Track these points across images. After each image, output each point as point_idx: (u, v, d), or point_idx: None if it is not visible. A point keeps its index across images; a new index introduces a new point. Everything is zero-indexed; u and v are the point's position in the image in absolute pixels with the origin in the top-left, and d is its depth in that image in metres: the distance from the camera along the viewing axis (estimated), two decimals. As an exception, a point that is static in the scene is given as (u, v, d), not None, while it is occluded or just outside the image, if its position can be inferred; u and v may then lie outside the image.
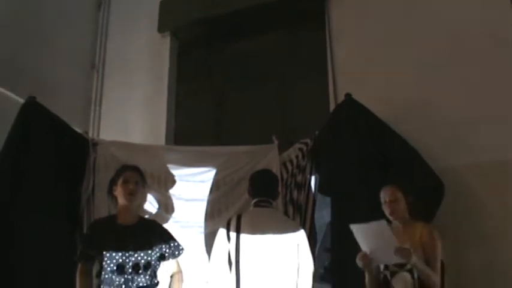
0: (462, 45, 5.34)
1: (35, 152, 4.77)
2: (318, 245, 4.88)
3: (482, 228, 4.93)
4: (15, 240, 4.50)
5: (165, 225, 4.92)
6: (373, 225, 4.04)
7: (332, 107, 5.61)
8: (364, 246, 4.11)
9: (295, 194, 5.13)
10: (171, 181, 5.25)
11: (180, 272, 4.20)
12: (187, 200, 5.25)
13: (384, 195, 4.30)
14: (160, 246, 4.06)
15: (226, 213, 5.04)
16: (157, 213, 5.12)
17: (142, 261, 3.94)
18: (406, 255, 3.95)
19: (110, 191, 4.20)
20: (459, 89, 5.22)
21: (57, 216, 4.69)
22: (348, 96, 5.05)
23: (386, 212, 4.28)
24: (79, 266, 4.02)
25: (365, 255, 4.10)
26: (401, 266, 4.08)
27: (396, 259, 4.00)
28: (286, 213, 5.04)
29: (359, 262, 4.12)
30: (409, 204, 4.28)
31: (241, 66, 6.55)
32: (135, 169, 4.25)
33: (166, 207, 5.17)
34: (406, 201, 4.26)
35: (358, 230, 4.11)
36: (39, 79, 5.71)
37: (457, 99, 5.19)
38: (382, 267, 4.19)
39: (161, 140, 6.27)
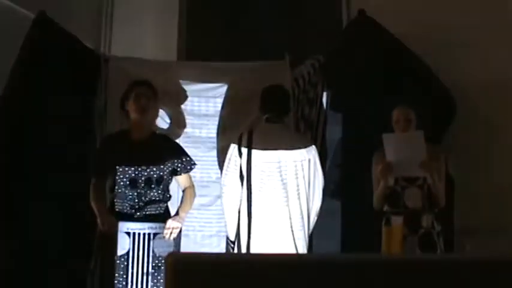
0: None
1: (46, 67, 4.77)
2: (328, 161, 4.93)
3: (492, 148, 4.95)
4: (28, 155, 4.57)
5: (177, 140, 5.03)
6: (410, 134, 4.19)
7: (345, 23, 5.54)
8: (391, 156, 4.16)
9: (306, 110, 5.12)
10: (183, 96, 5.24)
11: (192, 186, 4.27)
12: (199, 116, 5.27)
13: (397, 115, 4.31)
14: (172, 161, 4.11)
15: (239, 128, 5.04)
16: (169, 128, 5.14)
17: (155, 175, 4.01)
18: (430, 169, 4.14)
19: (122, 106, 4.22)
20: (475, 8, 5.13)
21: (70, 132, 4.74)
22: (361, 12, 4.98)
23: (398, 130, 4.30)
24: (93, 181, 4.11)
25: (390, 164, 4.16)
26: (411, 182, 4.17)
27: (418, 172, 4.15)
28: (297, 129, 5.04)
29: (381, 170, 4.19)
30: (418, 126, 4.30)
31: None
32: (147, 84, 4.26)
33: (178, 122, 5.17)
34: (416, 122, 4.29)
35: (390, 139, 4.19)
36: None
37: (472, 18, 5.11)
38: (391, 181, 4.25)
39: (173, 56, 6.19)
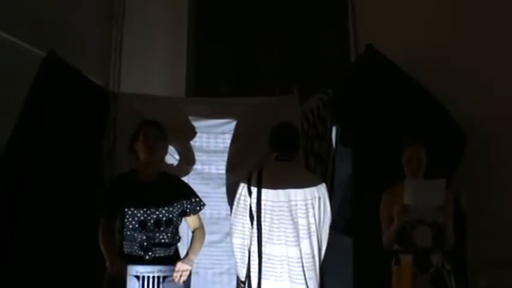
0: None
1: (55, 107, 4.78)
2: (339, 197, 4.89)
3: (504, 180, 4.91)
4: (35, 195, 4.54)
5: (186, 177, 5.03)
6: (432, 182, 4.18)
7: (353, 57, 5.55)
8: (409, 200, 4.16)
9: (316, 144, 5.10)
10: (192, 133, 5.24)
11: (201, 227, 4.25)
12: (208, 152, 5.26)
13: (409, 155, 4.30)
14: (181, 202, 4.09)
15: (248, 164, 5.02)
16: (178, 165, 5.14)
17: (164, 217, 3.99)
18: (446, 214, 4.16)
19: (131, 147, 4.22)
20: (482, 35, 5.12)
21: (78, 171, 4.73)
22: (369, 46, 4.97)
23: (409, 169, 4.28)
24: (102, 221, 4.09)
25: (407, 208, 4.15)
26: (421, 220, 4.14)
27: (433, 216, 4.14)
28: (307, 164, 5.02)
29: (398, 213, 4.19)
30: (428, 164, 4.29)
31: (261, 13, 6.45)
32: (155, 124, 4.26)
33: (188, 158, 5.17)
34: (427, 161, 4.28)
35: (413, 185, 4.19)
36: (59, 32, 5.66)
37: (479, 47, 5.10)
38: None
39: (181, 91, 6.25)
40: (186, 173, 5.11)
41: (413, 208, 4.15)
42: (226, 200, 5.07)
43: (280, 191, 4.18)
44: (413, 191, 4.16)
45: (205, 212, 4.49)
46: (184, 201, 4.11)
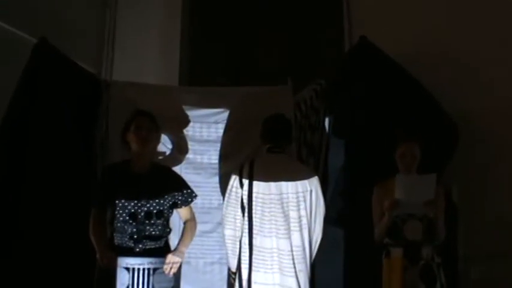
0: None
1: (46, 95, 4.73)
2: (331, 188, 4.89)
3: (498, 175, 4.92)
4: (26, 184, 4.51)
5: (179, 167, 5.02)
6: (423, 177, 4.21)
7: (347, 47, 5.53)
8: (400, 195, 4.17)
9: (308, 135, 5.09)
10: (185, 121, 5.22)
11: (193, 219, 4.24)
12: (201, 141, 5.25)
13: (404, 150, 4.30)
14: (172, 194, 4.08)
15: (240, 154, 5.03)
16: (171, 154, 5.12)
17: (155, 210, 3.98)
18: (435, 208, 4.16)
19: (123, 138, 4.19)
20: (476, 30, 5.10)
21: (70, 160, 4.70)
22: (363, 38, 4.94)
23: (402, 165, 4.29)
24: (93, 212, 4.08)
25: (397, 202, 4.16)
26: (412, 214, 4.15)
27: (423, 210, 4.15)
28: (299, 155, 5.02)
29: (388, 207, 4.19)
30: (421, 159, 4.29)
31: (259, 3, 6.42)
32: (148, 115, 4.23)
33: (180, 148, 5.16)
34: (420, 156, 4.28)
35: (403, 180, 4.21)
36: (51, 19, 5.62)
37: (475, 43, 5.08)
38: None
39: (175, 80, 6.22)
40: (179, 162, 5.10)
41: (404, 203, 4.15)
42: (218, 190, 5.07)
43: (272, 184, 4.17)
44: (404, 186, 4.17)
45: (197, 202, 4.47)
46: (176, 193, 4.10)
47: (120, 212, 3.93)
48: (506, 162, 4.96)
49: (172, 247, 4.14)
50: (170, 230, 4.12)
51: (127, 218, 3.92)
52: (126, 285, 3.79)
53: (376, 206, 4.34)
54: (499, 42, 5.09)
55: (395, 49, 4.90)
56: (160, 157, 4.95)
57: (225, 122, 5.23)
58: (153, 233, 3.97)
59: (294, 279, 4.10)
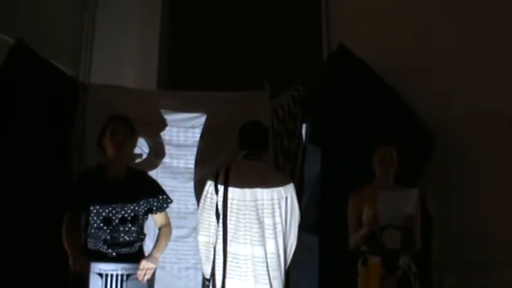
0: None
1: (23, 97, 4.70)
2: (307, 195, 4.91)
3: (472, 183, 4.96)
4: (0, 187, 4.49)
5: (155, 171, 5.00)
6: (405, 193, 4.28)
7: (325, 55, 5.54)
8: (381, 210, 4.19)
9: (285, 141, 5.09)
10: (162, 125, 5.20)
11: (168, 224, 4.23)
12: (178, 146, 5.24)
13: (383, 154, 4.32)
14: (148, 199, 4.07)
15: (217, 159, 5.01)
16: (147, 158, 5.10)
17: (129, 215, 3.96)
18: (414, 223, 4.22)
19: (99, 142, 4.17)
20: (452, 40, 5.15)
21: (46, 164, 4.66)
22: (341, 45, 4.96)
23: (381, 170, 4.31)
24: (66, 216, 4.05)
25: (375, 217, 4.19)
26: (391, 224, 4.17)
27: (400, 222, 4.18)
28: (276, 160, 5.02)
29: (369, 223, 4.21)
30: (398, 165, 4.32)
31: (238, 7, 6.42)
32: (124, 119, 4.21)
33: (157, 152, 5.13)
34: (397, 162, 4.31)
35: (386, 196, 4.22)
36: (30, 20, 5.57)
37: (451, 50, 5.13)
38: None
39: (153, 84, 6.20)
40: (155, 166, 5.09)
41: (385, 217, 4.18)
42: (194, 194, 5.05)
43: (247, 190, 4.16)
44: (386, 202, 4.19)
45: (172, 207, 4.46)
46: (151, 199, 4.09)
47: (94, 217, 3.91)
48: (480, 171, 5.00)
49: (147, 252, 4.13)
50: (145, 235, 4.10)
51: (101, 223, 3.90)
52: (99, 291, 3.78)
53: (351, 214, 4.36)
54: (474, 52, 5.13)
55: (372, 56, 4.92)
56: (137, 160, 4.93)
57: (202, 126, 5.22)
58: (128, 238, 3.95)
59: (268, 287, 4.10)
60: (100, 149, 4.18)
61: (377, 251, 4.21)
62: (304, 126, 5.07)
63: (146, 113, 5.10)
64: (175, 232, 4.44)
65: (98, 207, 3.91)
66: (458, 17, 5.21)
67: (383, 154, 4.34)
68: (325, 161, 4.83)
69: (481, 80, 5.10)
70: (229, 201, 4.15)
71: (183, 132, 5.26)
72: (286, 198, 4.23)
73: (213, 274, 4.17)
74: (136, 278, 3.86)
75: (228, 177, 4.20)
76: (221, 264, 4.12)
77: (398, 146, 4.35)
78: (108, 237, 3.89)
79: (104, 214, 3.91)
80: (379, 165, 4.35)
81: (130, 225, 3.96)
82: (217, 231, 4.18)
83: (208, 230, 4.19)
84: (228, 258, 4.11)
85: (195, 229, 4.56)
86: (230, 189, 4.16)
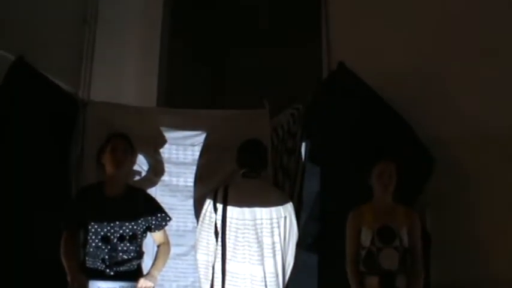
0: (459, 14, 5.27)
1: (23, 113, 4.67)
2: (306, 213, 4.89)
3: (469, 202, 4.96)
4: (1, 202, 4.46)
5: (154, 189, 5.00)
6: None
7: (325, 74, 5.56)
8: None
9: (285, 159, 5.08)
10: (162, 142, 5.19)
11: (166, 242, 4.24)
12: (177, 164, 5.22)
13: (382, 169, 4.31)
14: (146, 218, 4.08)
15: (216, 177, 5.01)
16: (146, 176, 5.09)
17: (128, 234, 3.96)
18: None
19: (98, 159, 4.19)
20: (454, 60, 5.17)
21: (45, 181, 4.63)
22: (341, 64, 4.96)
23: (380, 184, 4.30)
24: (64, 234, 4.05)
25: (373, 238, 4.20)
26: (388, 243, 4.15)
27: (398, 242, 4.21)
28: (275, 179, 5.02)
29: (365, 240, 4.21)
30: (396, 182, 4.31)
31: (237, 26, 6.45)
32: (124, 137, 4.25)
33: (156, 170, 5.11)
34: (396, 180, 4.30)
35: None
36: (28, 35, 5.57)
37: (451, 71, 5.15)
38: (368, 242, 4.23)
39: (153, 101, 6.21)
40: (154, 184, 5.07)
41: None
42: (193, 212, 5.04)
43: (246, 209, 4.18)
44: None
45: (171, 224, 4.49)
46: (150, 217, 4.10)
47: (93, 235, 3.91)
48: (476, 189, 4.99)
49: (146, 269, 4.12)
50: (143, 253, 4.11)
51: (100, 241, 3.90)
52: (97, 309, 3.77)
53: (350, 233, 4.33)
54: (474, 71, 5.14)
55: (372, 74, 4.93)
56: (136, 178, 4.92)
57: (202, 144, 5.21)
58: (126, 257, 3.95)
59: (266, 306, 4.11)
60: (99, 166, 4.19)
61: (374, 271, 4.20)
62: (303, 145, 5.06)
63: (146, 130, 5.09)
64: (174, 250, 4.45)
65: (96, 225, 3.92)
66: (458, 36, 5.21)
67: (382, 169, 4.33)
68: (324, 179, 4.81)
69: (481, 99, 5.10)
70: (228, 220, 4.16)
71: (183, 150, 5.24)
72: (285, 218, 4.25)
73: (211, 293, 4.17)
74: (135, 297, 3.85)
75: (226, 195, 4.23)
76: (220, 283, 4.13)
77: (398, 162, 4.34)
78: (107, 256, 3.90)
79: (102, 233, 3.91)
80: (378, 180, 4.34)
81: (128, 243, 3.96)
82: (216, 250, 4.18)
83: (207, 248, 4.21)
84: (227, 277, 4.13)
85: (193, 247, 4.58)
86: (229, 208, 4.18)
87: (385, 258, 4.16)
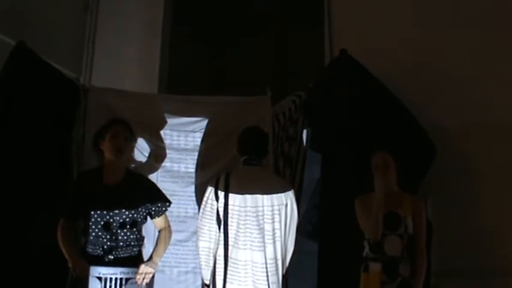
0: (464, 3, 5.24)
1: (23, 99, 4.67)
2: (306, 200, 4.90)
3: (471, 191, 4.95)
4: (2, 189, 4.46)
5: (155, 174, 5.00)
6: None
7: (327, 61, 5.54)
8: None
9: (286, 147, 5.08)
10: (162, 124, 5.17)
11: (167, 227, 4.24)
12: (178, 150, 5.23)
13: (376, 161, 4.30)
14: (147, 204, 4.07)
15: (218, 164, 5.03)
16: (146, 162, 5.09)
17: (129, 220, 3.96)
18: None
19: (96, 145, 4.16)
20: (457, 47, 5.14)
21: (46, 166, 4.64)
22: (343, 52, 4.94)
23: (377, 175, 4.29)
24: (61, 221, 4.04)
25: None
26: (393, 230, 4.16)
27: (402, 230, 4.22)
28: (276, 166, 5.02)
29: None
30: (398, 173, 4.29)
31: (238, 11, 6.43)
32: (124, 123, 4.22)
33: (157, 156, 5.12)
34: (396, 168, 4.28)
35: None
36: (30, 21, 5.57)
37: (454, 58, 5.12)
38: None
39: (154, 87, 6.20)
40: (155, 170, 5.08)
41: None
42: (194, 199, 5.05)
43: (248, 197, 4.17)
44: None
45: (172, 211, 4.51)
46: (150, 204, 4.09)
47: (93, 224, 3.90)
48: (478, 178, 4.98)
49: (147, 254, 4.13)
50: (143, 238, 4.11)
51: (100, 229, 3.90)
52: (98, 295, 3.78)
53: (362, 215, 4.28)
54: (483, 61, 5.11)
55: (376, 62, 4.91)
56: (136, 164, 4.91)
57: (203, 131, 5.21)
58: (127, 242, 3.95)
59: (266, 292, 4.11)
60: (98, 152, 4.17)
61: (378, 257, 4.20)
62: (305, 132, 5.05)
63: (147, 116, 5.10)
64: (174, 236, 4.46)
65: (96, 214, 3.91)
66: (467, 25, 5.16)
67: (376, 161, 4.32)
68: (324, 167, 4.81)
69: (485, 89, 5.08)
70: (230, 207, 4.15)
71: (184, 136, 5.25)
72: (286, 205, 4.25)
73: (213, 279, 4.17)
74: (135, 282, 3.86)
75: (228, 183, 4.21)
76: (222, 270, 4.13)
77: (393, 152, 4.33)
78: (108, 242, 3.90)
79: (102, 222, 3.91)
80: (375, 172, 4.33)
81: (129, 230, 3.96)
82: (217, 236, 4.18)
83: (209, 235, 4.20)
84: (229, 264, 4.12)
85: (194, 233, 4.59)
86: (230, 195, 4.17)
87: (389, 245, 4.17)
